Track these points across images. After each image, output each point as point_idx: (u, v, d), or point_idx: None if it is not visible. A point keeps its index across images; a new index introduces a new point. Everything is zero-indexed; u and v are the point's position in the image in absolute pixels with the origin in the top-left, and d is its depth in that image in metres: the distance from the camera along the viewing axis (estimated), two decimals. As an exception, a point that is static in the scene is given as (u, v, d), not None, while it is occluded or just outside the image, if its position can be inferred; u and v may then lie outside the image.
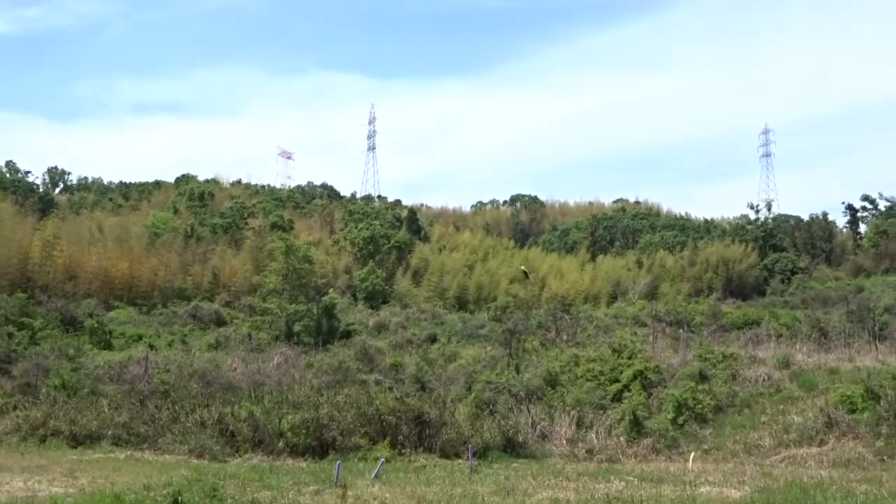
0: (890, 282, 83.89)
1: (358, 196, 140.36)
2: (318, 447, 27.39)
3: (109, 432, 28.62)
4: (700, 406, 31.35)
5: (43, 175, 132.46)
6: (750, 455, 27.60)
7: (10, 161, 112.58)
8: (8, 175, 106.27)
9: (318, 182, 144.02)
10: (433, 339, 55.45)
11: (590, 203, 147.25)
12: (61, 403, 31.53)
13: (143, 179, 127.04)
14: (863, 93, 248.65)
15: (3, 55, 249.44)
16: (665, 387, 33.72)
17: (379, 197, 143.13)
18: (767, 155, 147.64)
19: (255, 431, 27.88)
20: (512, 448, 28.41)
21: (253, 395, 31.44)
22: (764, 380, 34.55)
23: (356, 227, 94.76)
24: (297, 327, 56.42)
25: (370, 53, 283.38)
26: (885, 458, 25.25)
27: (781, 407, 31.47)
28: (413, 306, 77.12)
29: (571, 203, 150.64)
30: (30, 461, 23.42)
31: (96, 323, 53.31)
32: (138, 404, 30.93)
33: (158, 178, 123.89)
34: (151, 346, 45.87)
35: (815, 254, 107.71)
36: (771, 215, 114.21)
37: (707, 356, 37.23)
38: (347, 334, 57.24)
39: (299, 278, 61.50)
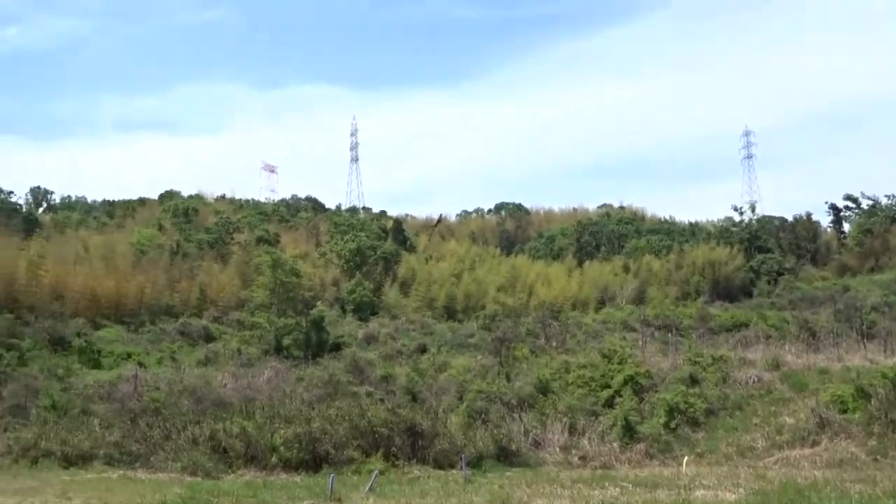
0: (876, 280, 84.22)
1: (343, 208, 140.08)
2: (312, 461, 27.34)
3: (101, 452, 28.50)
4: (692, 409, 31.42)
5: (26, 195, 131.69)
6: (743, 457, 27.68)
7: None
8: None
9: (302, 195, 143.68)
10: (423, 350, 55.44)
11: (574, 209, 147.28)
12: (52, 424, 31.45)
13: (128, 197, 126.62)
14: (842, 93, 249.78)
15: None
16: (656, 391, 33.80)
17: (364, 208, 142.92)
18: (749, 157, 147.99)
19: (247, 447, 27.80)
20: (505, 457, 28.42)
21: (244, 410, 31.36)
22: (754, 381, 34.70)
23: (342, 239, 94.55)
24: (286, 341, 56.28)
25: (351, 66, 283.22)
26: (879, 457, 25.37)
27: (773, 408, 31.58)
28: (402, 317, 76.97)
29: (556, 209, 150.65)
30: (22, 483, 23.29)
31: (84, 342, 53.19)
32: (129, 423, 30.82)
33: (143, 196, 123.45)
34: (141, 364, 45.69)
35: (800, 254, 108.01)
36: (755, 217, 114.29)
37: (697, 359, 37.35)
38: (337, 347, 57.14)
39: (287, 292, 61.40)
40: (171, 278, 75.83)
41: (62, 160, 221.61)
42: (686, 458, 27.19)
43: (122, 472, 26.67)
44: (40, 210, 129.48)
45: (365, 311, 79.92)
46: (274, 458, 27.33)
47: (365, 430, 28.31)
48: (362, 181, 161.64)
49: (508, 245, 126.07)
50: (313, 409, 31.09)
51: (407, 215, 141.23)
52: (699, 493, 19.01)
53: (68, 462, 28.14)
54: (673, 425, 30.83)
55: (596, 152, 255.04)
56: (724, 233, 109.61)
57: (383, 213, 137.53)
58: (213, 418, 30.19)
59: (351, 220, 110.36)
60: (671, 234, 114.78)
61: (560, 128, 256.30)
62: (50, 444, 29.11)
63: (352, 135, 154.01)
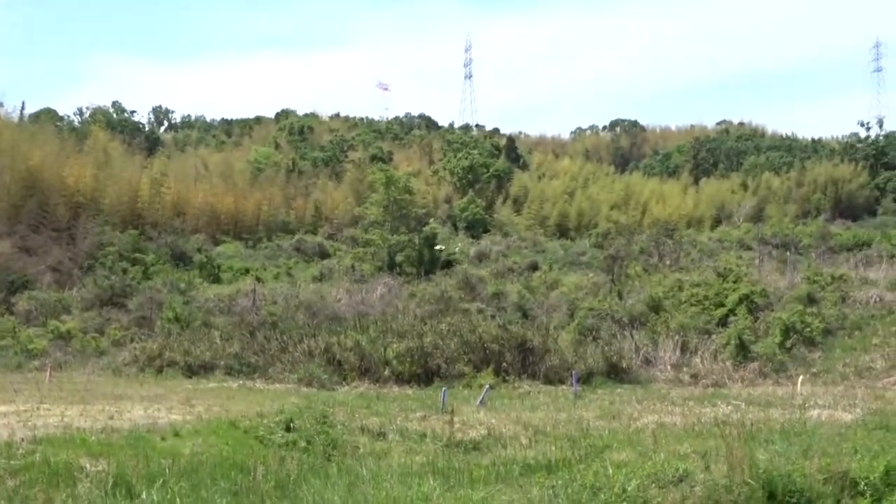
0: None
1: (456, 126, 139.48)
2: (423, 375, 27.86)
3: (222, 362, 29.61)
4: (808, 329, 30.75)
5: (148, 114, 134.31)
6: (861, 378, 27.04)
7: (117, 101, 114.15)
8: (115, 115, 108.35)
9: (415, 113, 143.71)
10: (534, 267, 55.41)
11: (692, 126, 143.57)
12: (175, 335, 32.78)
13: (245, 116, 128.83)
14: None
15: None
16: (772, 310, 33.17)
17: (477, 126, 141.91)
18: (878, 70, 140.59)
19: (361, 360, 28.47)
20: (616, 374, 28.43)
21: (358, 324, 32.05)
22: (875, 301, 33.76)
23: (455, 157, 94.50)
24: (399, 258, 56.94)
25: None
26: None
27: (894, 329, 30.67)
28: (513, 235, 77.01)
29: (673, 127, 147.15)
30: (148, 390, 24.33)
31: (205, 258, 54.79)
32: (248, 335, 31.84)
33: (259, 114, 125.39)
34: (258, 279, 46.96)
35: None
36: (882, 133, 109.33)
37: (816, 279, 36.45)
38: (449, 264, 57.50)
39: (400, 209, 61.84)
40: (287, 196, 77.29)
41: (182, 79, 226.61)
42: (801, 377, 26.66)
43: (241, 381, 27.67)
44: (162, 129, 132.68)
45: (477, 228, 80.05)
46: (387, 372, 27.94)
47: (476, 346, 28.65)
48: (476, 98, 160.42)
49: (623, 163, 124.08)
50: (425, 324, 31.56)
51: (520, 133, 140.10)
52: (814, 412, 18.65)
53: (191, 371, 29.35)
54: (788, 345, 30.27)
55: (717, 68, 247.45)
56: (849, 149, 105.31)
57: (496, 130, 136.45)
58: (327, 332, 30.98)
59: (464, 138, 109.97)
60: (792, 151, 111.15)
61: (680, 42, 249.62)
62: (174, 354, 30.39)
63: (466, 51, 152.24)
